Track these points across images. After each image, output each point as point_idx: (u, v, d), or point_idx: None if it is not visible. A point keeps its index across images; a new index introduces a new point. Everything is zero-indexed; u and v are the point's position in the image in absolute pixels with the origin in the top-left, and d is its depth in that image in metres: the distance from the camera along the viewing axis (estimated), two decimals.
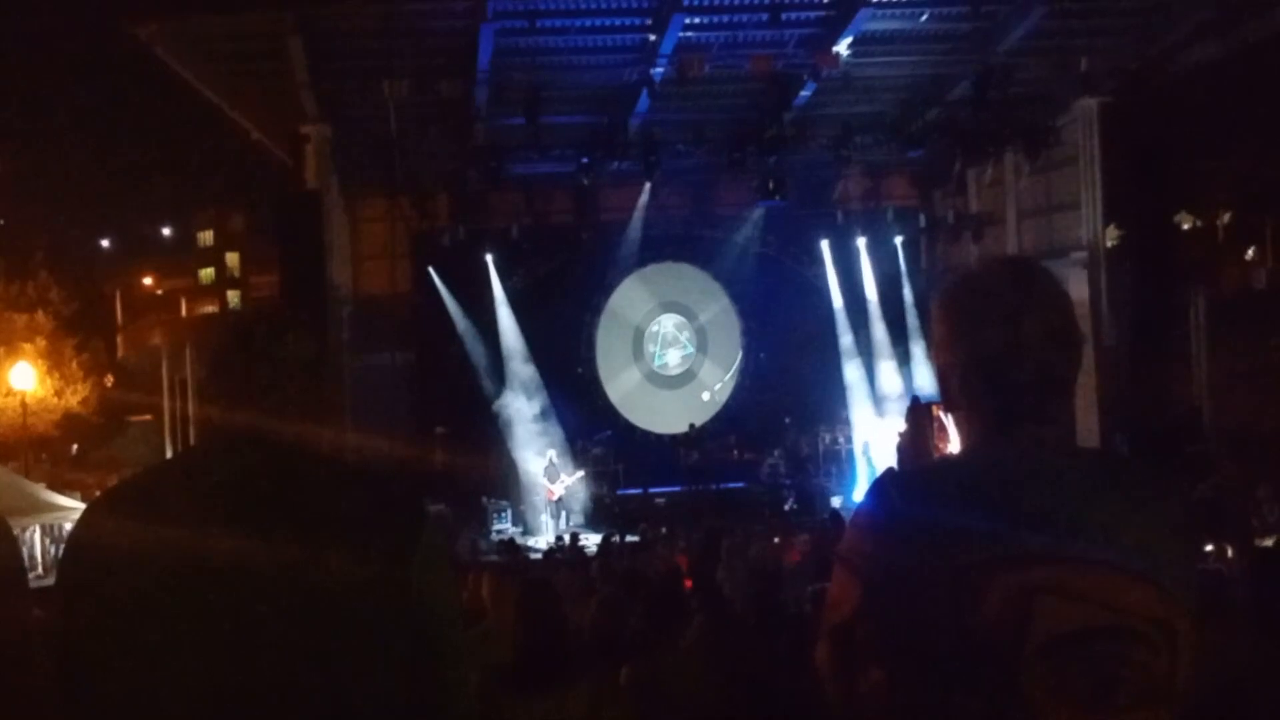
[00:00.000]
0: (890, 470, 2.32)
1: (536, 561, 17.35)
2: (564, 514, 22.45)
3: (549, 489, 22.45)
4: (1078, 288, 20.98)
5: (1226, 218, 29.57)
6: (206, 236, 67.42)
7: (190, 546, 2.24)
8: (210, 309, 62.35)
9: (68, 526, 23.76)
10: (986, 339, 2.18)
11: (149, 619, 2.22)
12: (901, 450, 4.01)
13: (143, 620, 2.22)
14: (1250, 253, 31.04)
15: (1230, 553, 11.34)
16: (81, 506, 23.68)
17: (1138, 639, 2.01)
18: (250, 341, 2.41)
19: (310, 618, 2.22)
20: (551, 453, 22.72)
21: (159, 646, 2.21)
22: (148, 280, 64.41)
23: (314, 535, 2.25)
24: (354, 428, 19.35)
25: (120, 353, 46.12)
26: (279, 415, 2.36)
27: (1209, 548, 11.52)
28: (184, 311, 62.38)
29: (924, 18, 19.83)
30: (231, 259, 66.07)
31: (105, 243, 65.83)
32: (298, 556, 2.23)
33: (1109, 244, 22.07)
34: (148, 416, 40.54)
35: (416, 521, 2.38)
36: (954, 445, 2.33)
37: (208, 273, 66.96)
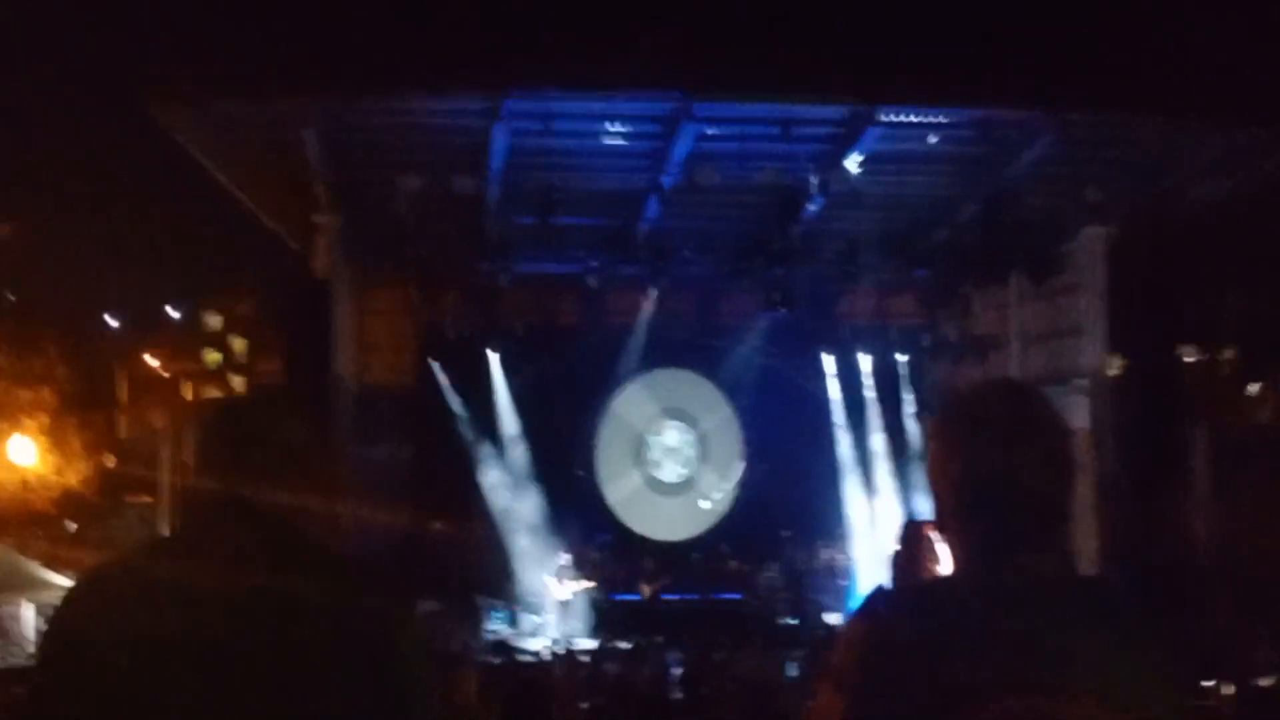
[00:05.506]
0: (880, 587, 2.30)
1: (528, 664, 17.17)
2: (559, 617, 22.21)
3: (556, 590, 22.22)
4: (1080, 415, 20.94)
5: (1230, 353, 29.60)
6: (214, 320, 67.47)
7: (168, 625, 2.23)
8: (215, 393, 62.17)
9: None
10: (981, 462, 2.15)
11: (126, 698, 2.20)
12: (894, 569, 3.98)
13: (119, 700, 2.20)
14: (1254, 389, 31.02)
15: (1228, 691, 11.19)
16: None
17: None
18: (240, 425, 2.41)
19: (289, 703, 2.20)
20: (566, 556, 22.59)
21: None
22: (153, 361, 64.41)
23: (296, 619, 2.23)
24: (352, 518, 19.20)
25: (122, 432, 45.96)
26: (268, 498, 2.35)
27: (1208, 684, 11.37)
28: (189, 395, 62.28)
29: (933, 139, 20.01)
30: (239, 344, 66.03)
31: (113, 321, 65.83)
32: (277, 640, 2.21)
33: (1111, 373, 22.07)
34: (146, 498, 40.27)
35: (400, 613, 2.36)
36: (946, 566, 2.30)
37: (215, 357, 66.87)
